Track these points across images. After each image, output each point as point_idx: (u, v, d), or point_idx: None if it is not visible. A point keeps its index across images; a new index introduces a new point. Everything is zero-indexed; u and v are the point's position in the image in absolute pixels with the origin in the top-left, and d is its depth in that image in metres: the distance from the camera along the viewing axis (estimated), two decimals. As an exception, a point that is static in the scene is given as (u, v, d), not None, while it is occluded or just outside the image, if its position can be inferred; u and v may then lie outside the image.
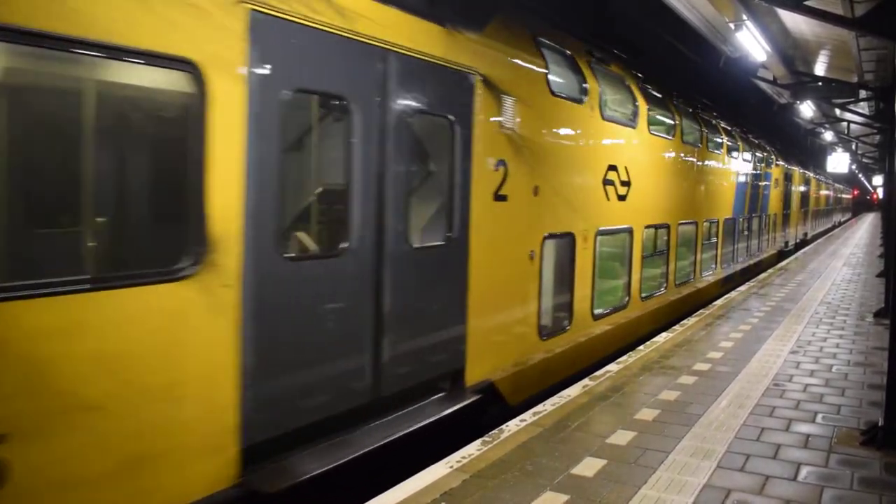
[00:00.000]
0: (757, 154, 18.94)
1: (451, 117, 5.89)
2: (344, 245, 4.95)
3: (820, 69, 16.28)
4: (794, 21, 11.92)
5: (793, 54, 14.75)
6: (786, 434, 5.75)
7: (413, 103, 5.45)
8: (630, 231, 10.01)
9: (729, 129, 16.18)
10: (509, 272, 6.87)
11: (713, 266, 15.16)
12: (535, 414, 6.10)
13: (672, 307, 12.19)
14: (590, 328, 8.79)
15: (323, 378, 4.80)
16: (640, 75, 10.69)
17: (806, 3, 8.32)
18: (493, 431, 5.66)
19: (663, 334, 9.77)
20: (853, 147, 35.09)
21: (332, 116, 5.82)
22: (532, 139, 7.08)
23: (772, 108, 21.90)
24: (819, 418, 6.18)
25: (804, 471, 4.99)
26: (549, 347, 7.72)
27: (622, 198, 9.47)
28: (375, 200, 5.11)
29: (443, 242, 5.94)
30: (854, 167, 48.84)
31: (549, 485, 4.64)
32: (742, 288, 14.89)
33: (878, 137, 28.20)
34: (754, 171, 18.41)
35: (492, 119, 6.38)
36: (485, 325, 6.42)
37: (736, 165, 16.44)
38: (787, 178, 24.41)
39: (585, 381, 7.25)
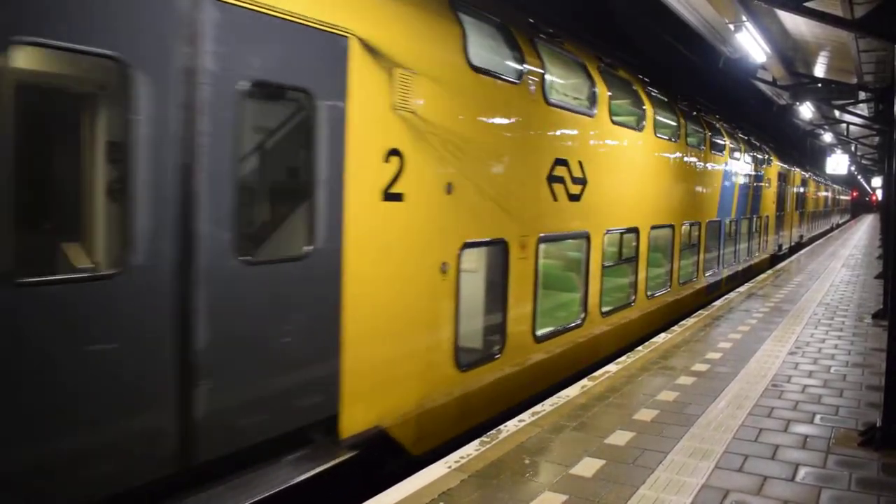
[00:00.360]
0: (747, 152, 17.77)
1: (312, 91, 4.56)
2: (123, 262, 3.67)
3: (819, 70, 16.30)
4: (793, 22, 11.93)
5: (792, 55, 14.76)
6: (784, 435, 5.76)
7: (246, 70, 4.15)
8: (587, 236, 8.69)
9: (714, 123, 14.97)
10: (409, 289, 5.53)
11: (694, 273, 13.80)
12: (533, 414, 6.10)
13: (643, 321, 10.86)
14: (530, 353, 7.43)
15: (90, 446, 3.57)
16: (602, 58, 9.44)
17: (805, 4, 8.33)
18: (492, 432, 5.66)
19: (662, 335, 9.77)
20: (852, 148, 35.12)
21: (108, 85, 4.19)
22: (442, 124, 5.78)
23: (771, 110, 21.92)
24: (817, 419, 6.19)
25: (802, 471, 5.00)
26: (472, 380, 6.41)
27: (575, 198, 8.17)
28: (179, 200, 3.84)
29: (301, 254, 4.62)
30: (853, 168, 48.88)
31: (547, 485, 4.65)
32: (741, 289, 14.89)
33: (877, 139, 28.22)
34: (744, 171, 17.26)
35: (378, 96, 5.08)
36: (371, 358, 5.13)
37: (722, 164, 15.28)
38: (782, 178, 23.40)
39: (584, 381, 7.25)
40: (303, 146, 4.72)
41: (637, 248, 10.46)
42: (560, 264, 9.52)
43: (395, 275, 5.39)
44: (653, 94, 11.14)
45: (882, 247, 23.75)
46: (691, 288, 13.62)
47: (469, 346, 6.59)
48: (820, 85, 17.19)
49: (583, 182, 8.34)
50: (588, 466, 4.98)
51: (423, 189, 5.60)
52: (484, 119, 6.51)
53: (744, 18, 10.94)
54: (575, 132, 8.28)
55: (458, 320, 6.12)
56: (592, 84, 8.82)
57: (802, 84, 17.03)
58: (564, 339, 8.27)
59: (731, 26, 11.45)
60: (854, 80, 15.70)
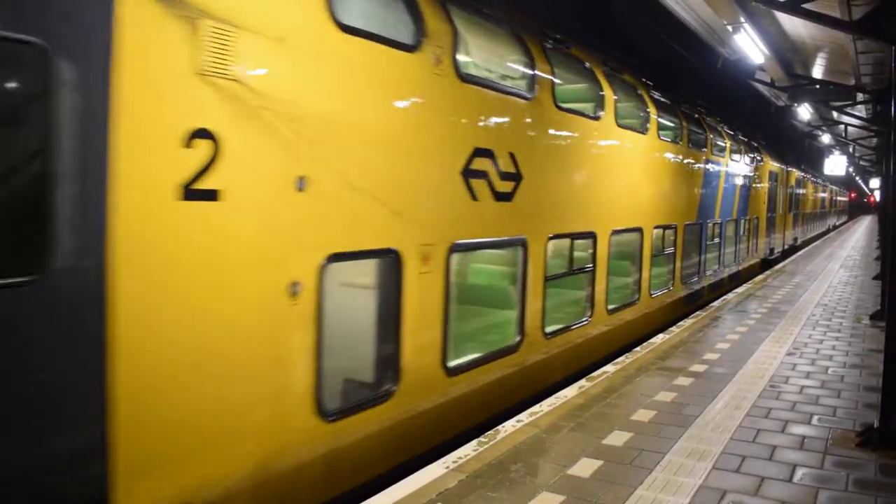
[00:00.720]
0: (735, 149, 16.37)
1: (49, 46, 3.24)
2: None
3: (818, 72, 16.33)
4: (791, 24, 11.95)
5: (791, 57, 14.79)
6: (781, 435, 5.77)
7: None
8: (523, 243, 7.20)
9: (695, 115, 13.57)
10: (232, 318, 4.14)
11: (669, 282, 12.27)
12: (531, 415, 6.11)
13: (602, 340, 9.34)
14: (438, 389, 5.97)
15: None
16: (546, 31, 7.98)
17: (803, 5, 8.34)
18: (490, 432, 5.67)
19: (660, 336, 9.78)
20: (850, 150, 35.18)
21: None
22: (289, 98, 4.41)
23: (769, 111, 21.95)
24: (815, 420, 6.20)
25: (799, 472, 5.01)
26: (344, 432, 4.93)
27: (505, 197, 6.76)
28: None
29: (24, 279, 3.22)
30: (851, 170, 48.96)
31: (545, 485, 4.65)
32: (739, 290, 14.91)
33: (875, 140, 28.26)
34: (730, 169, 15.88)
35: (172, 57, 3.74)
36: (170, 415, 3.82)
37: (703, 161, 13.83)
38: (774, 178, 22.07)
39: (582, 381, 7.26)
40: (32, 124, 3.34)
41: (594, 255, 8.93)
42: (491, 276, 8.16)
43: (208, 299, 4.01)
44: (615, 77, 9.67)
45: (880, 248, 23.80)
46: (666, 299, 12.15)
47: (341, 387, 5.31)
48: (818, 86, 17.21)
49: (516, 178, 6.92)
50: (586, 467, 4.98)
51: (254, 184, 4.21)
52: (359, 94, 5.01)
53: (742, 20, 10.95)
54: (504, 117, 6.82)
55: (322, 355, 4.66)
56: (531, 60, 7.32)
57: (801, 85, 17.05)
58: (492, 369, 6.77)
59: (730, 27, 11.47)
60: (852, 82, 15.73)
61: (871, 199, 77.36)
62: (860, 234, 43.55)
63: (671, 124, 12.12)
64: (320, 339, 4.66)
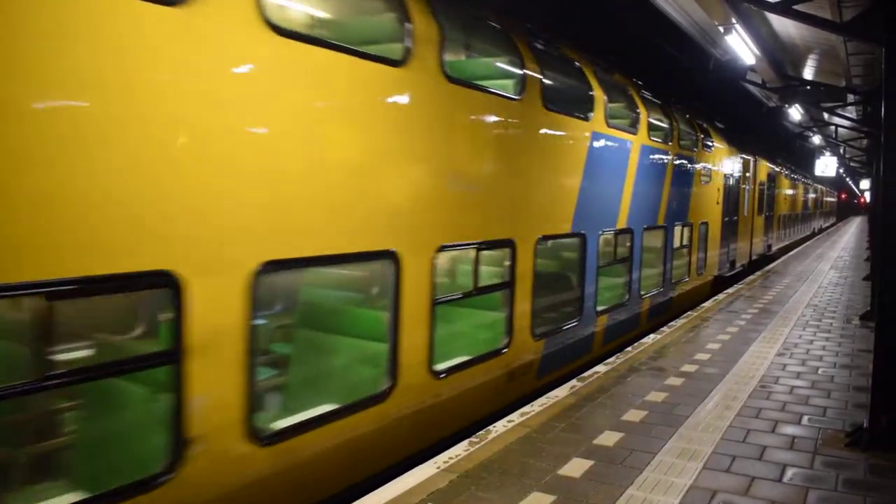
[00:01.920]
0: (661, 126, 11.80)
1: None
2: None
3: (808, 73, 16.42)
4: (782, 25, 12.01)
5: (782, 58, 14.86)
6: (772, 435, 5.79)
7: None
8: None
9: (571, 60, 8.82)
10: None
11: (501, 340, 7.01)
12: (522, 415, 6.10)
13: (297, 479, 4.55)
14: None
15: None
16: None
17: (794, 7, 8.37)
18: (481, 432, 5.66)
19: (651, 336, 9.78)
20: (841, 151, 35.40)
21: None
22: None
23: (761, 112, 22.05)
24: (805, 420, 6.22)
25: (789, 472, 5.02)
26: None
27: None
28: None
29: None
30: (842, 171, 49.22)
31: (536, 485, 4.65)
32: (729, 290, 14.95)
33: (865, 142, 28.44)
34: (652, 155, 11.21)
35: None
36: None
37: (589, 136, 8.79)
38: (737, 171, 17.70)
39: (573, 381, 7.26)
40: None
41: (248, 315, 4.08)
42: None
43: None
44: (435, 8, 5.75)
45: (870, 248, 23.94)
46: (494, 370, 6.85)
47: None
48: (809, 87, 17.30)
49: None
50: (576, 467, 4.98)
51: None
52: None
53: (733, 20, 10.99)
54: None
55: None
56: None
57: (791, 86, 17.13)
58: None
59: (721, 28, 11.50)
60: (843, 83, 15.81)
61: (861, 200, 77.88)
62: (850, 235, 43.81)
63: (504, 65, 7.42)
64: None
